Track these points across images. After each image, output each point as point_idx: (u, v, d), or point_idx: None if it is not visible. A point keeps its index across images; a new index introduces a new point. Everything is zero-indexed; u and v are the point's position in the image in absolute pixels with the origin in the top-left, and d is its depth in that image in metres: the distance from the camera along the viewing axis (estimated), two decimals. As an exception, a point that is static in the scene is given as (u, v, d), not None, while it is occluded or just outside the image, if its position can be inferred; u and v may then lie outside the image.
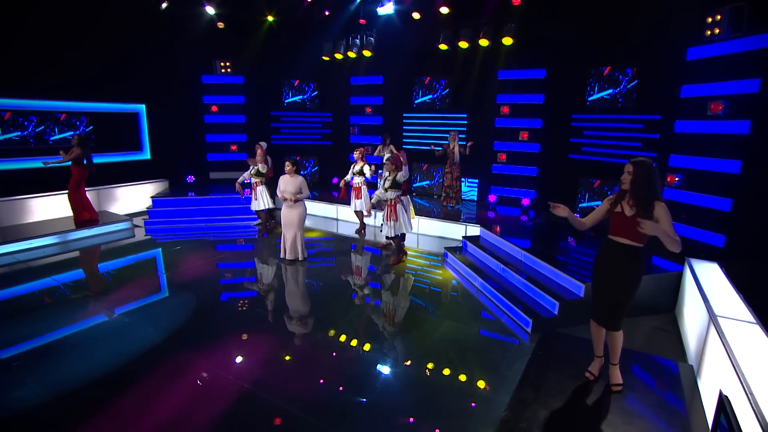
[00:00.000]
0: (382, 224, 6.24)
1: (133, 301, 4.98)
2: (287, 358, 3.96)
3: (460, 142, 8.76)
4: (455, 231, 7.72)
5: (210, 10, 9.48)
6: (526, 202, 9.00)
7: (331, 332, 4.38)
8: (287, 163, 6.11)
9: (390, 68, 10.34)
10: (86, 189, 8.54)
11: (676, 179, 6.29)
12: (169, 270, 6.12)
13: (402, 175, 5.95)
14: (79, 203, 7.68)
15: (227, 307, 5.04)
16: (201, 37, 10.05)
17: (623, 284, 3.12)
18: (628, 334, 4.44)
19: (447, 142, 8.76)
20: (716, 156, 5.57)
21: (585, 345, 3.91)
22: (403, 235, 6.33)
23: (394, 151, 9.04)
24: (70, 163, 7.44)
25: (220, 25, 10.02)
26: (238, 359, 3.89)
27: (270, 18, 9.88)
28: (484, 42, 8.36)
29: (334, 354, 4.02)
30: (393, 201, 6.05)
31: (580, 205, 8.36)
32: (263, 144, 7.82)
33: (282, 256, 6.48)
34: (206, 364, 3.77)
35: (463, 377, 3.68)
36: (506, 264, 5.62)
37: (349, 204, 8.08)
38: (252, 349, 4.09)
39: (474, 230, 7.33)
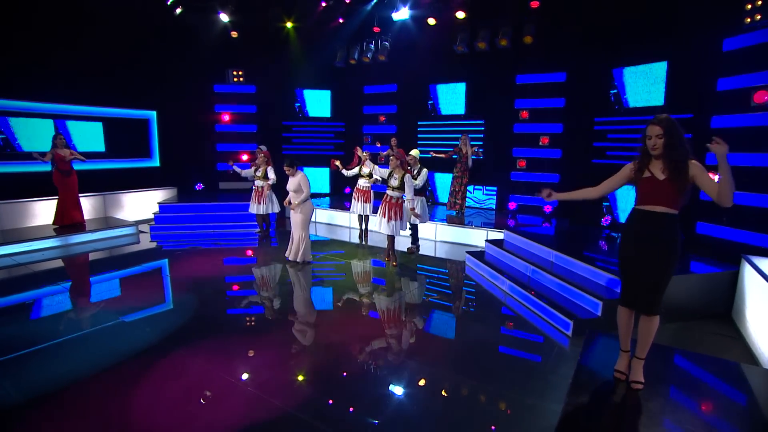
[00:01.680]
0: (378, 222, 5.82)
1: (133, 305, 4.58)
2: (301, 377, 3.50)
3: (471, 143, 8.42)
4: (475, 237, 7.30)
5: (224, 17, 9.46)
6: (548, 209, 8.56)
7: (339, 341, 3.93)
8: (285, 165, 5.81)
9: (404, 75, 10.17)
10: (93, 194, 8.38)
11: (716, 178, 5.84)
12: (172, 275, 5.74)
13: (421, 178, 5.54)
14: (73, 206, 7.38)
15: (228, 312, 4.63)
16: (214, 45, 10.02)
17: (663, 257, 2.71)
18: (682, 341, 3.94)
19: (458, 144, 8.42)
20: (764, 150, 5.14)
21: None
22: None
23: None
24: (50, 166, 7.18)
25: (234, 34, 10.00)
26: (239, 366, 3.46)
27: (290, 24, 9.82)
28: (503, 42, 8.13)
29: (346, 365, 3.56)
30: (397, 199, 5.67)
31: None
32: (263, 147, 7.56)
33: (288, 256, 6.12)
34: (207, 367, 3.34)
35: (501, 385, 3.19)
36: (536, 266, 5.16)
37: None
38: (254, 356, 3.65)
39: (495, 235, 6.90)
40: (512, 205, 8.90)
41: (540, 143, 8.78)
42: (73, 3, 8.04)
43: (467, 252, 6.35)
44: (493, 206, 9.31)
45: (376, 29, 9.67)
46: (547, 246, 5.42)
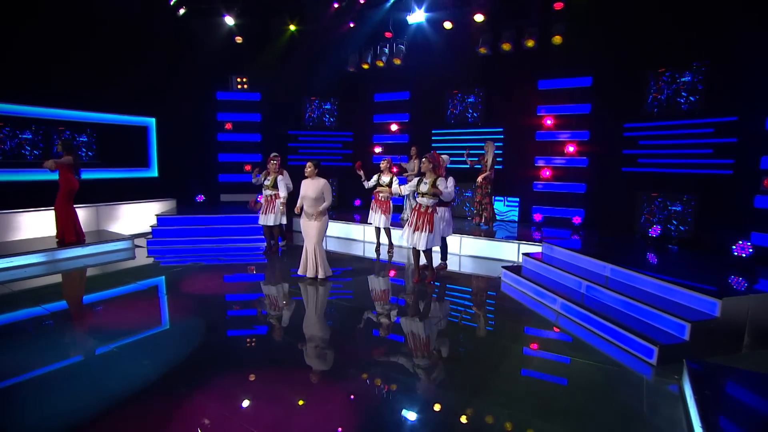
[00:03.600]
0: (406, 235, 5.16)
1: (126, 331, 3.89)
2: (300, 402, 2.81)
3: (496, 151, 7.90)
4: (506, 250, 6.69)
5: (229, 20, 8.99)
6: (577, 220, 8.00)
7: (364, 375, 3.25)
8: (308, 163, 5.20)
9: (418, 82, 9.70)
10: (86, 206, 7.66)
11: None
12: (171, 295, 5.04)
13: (446, 192, 4.92)
14: (68, 219, 6.60)
15: (240, 339, 3.95)
16: (218, 50, 9.53)
17: None
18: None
19: (483, 152, 7.88)
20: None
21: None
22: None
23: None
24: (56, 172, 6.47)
25: (239, 39, 9.53)
26: (245, 400, 2.77)
27: (292, 27, 9.35)
28: (529, 43, 7.69)
29: (389, 409, 2.90)
30: (430, 208, 5.04)
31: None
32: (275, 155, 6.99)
33: (300, 272, 5.45)
34: (209, 404, 2.66)
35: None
36: (590, 282, 4.55)
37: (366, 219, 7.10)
38: (261, 388, 2.97)
39: (529, 248, 6.30)
40: (538, 217, 8.33)
41: (566, 151, 8.27)
42: (69, 3, 7.52)
43: (504, 267, 5.72)
44: (516, 218, 8.73)
45: (388, 34, 9.25)
46: (600, 259, 4.81)
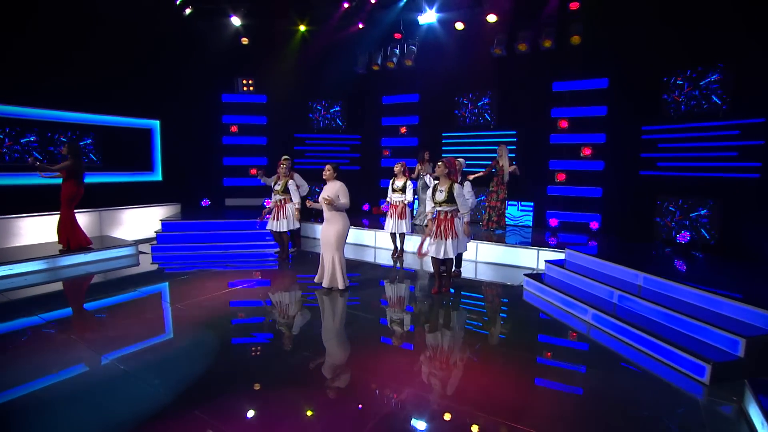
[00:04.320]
0: (429, 244, 4.88)
1: (133, 346, 3.64)
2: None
3: (510, 155, 7.69)
4: (524, 257, 6.44)
5: (236, 21, 8.79)
6: (594, 225, 7.77)
7: (391, 394, 3.00)
8: (327, 167, 5.01)
9: (428, 84, 9.49)
10: (88, 210, 7.43)
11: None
12: (178, 305, 4.78)
13: (468, 193, 4.67)
14: (70, 226, 6.38)
15: (248, 352, 3.70)
16: (223, 52, 9.33)
17: None
18: None
19: (495, 156, 7.67)
20: None
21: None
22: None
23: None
24: (59, 178, 6.25)
25: (245, 41, 9.33)
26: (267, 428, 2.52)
27: (302, 27, 9.14)
28: (547, 43, 7.49)
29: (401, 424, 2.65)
30: (449, 214, 4.79)
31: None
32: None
33: (317, 281, 5.21)
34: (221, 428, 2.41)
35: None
36: (622, 291, 4.31)
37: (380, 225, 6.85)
38: (276, 409, 2.72)
39: (549, 255, 6.06)
40: (554, 222, 8.10)
41: (581, 154, 8.05)
42: (72, 2, 7.31)
43: (526, 275, 5.48)
44: (530, 223, 8.50)
45: (398, 35, 9.05)
46: (631, 267, 4.57)
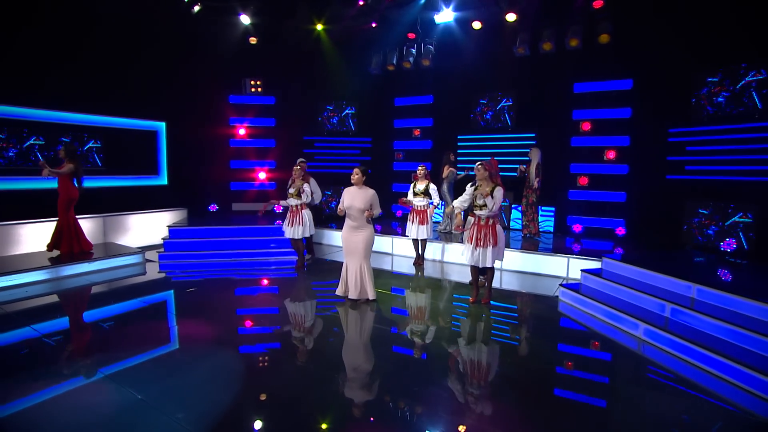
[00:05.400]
0: (467, 252, 4.60)
1: (146, 367, 3.30)
2: None
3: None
4: (552, 265, 6.14)
5: (245, 19, 8.50)
6: (621, 231, 7.48)
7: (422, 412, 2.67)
8: (355, 170, 4.68)
9: (443, 85, 9.21)
10: (92, 216, 7.09)
11: None
12: (192, 319, 4.44)
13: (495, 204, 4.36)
14: (72, 229, 6.10)
15: (275, 376, 3.36)
16: (231, 52, 9.03)
17: None
18: None
19: (528, 159, 7.40)
20: None
21: None
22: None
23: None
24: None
25: (253, 40, 9.03)
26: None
27: (315, 27, 8.85)
28: (573, 42, 7.23)
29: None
30: (490, 220, 4.50)
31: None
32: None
33: (340, 293, 4.87)
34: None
35: None
36: (674, 304, 4.00)
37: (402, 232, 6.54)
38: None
39: (581, 263, 5.75)
40: (577, 228, 7.80)
41: (605, 158, 7.78)
42: (75, 0, 6.99)
43: (561, 285, 5.17)
44: (551, 228, 8.20)
45: (411, 35, 8.78)
46: (682, 278, 4.27)
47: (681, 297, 4.16)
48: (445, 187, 7.47)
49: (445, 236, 7.38)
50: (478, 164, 4.50)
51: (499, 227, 4.48)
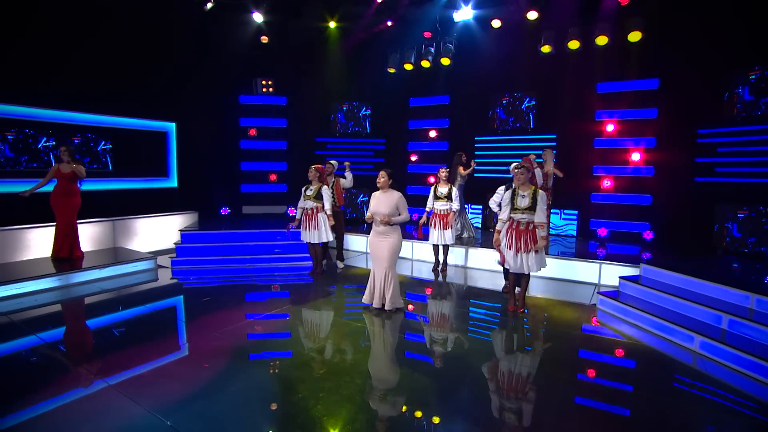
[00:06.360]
0: (509, 258, 4.35)
1: (172, 388, 3.04)
2: None
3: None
4: (583, 271, 5.88)
5: (258, 17, 8.27)
6: (648, 236, 7.23)
7: None
8: (381, 173, 4.45)
9: (460, 85, 8.98)
10: (101, 220, 6.87)
11: None
12: (215, 332, 4.17)
13: (545, 211, 4.12)
14: (75, 234, 5.94)
15: (317, 398, 3.10)
16: (242, 52, 8.82)
17: None
18: None
19: (542, 161, 7.12)
20: None
21: None
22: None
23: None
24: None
25: (264, 39, 8.82)
26: None
27: (330, 25, 8.63)
28: (601, 41, 7.00)
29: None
30: (531, 225, 4.26)
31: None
32: (334, 163, 6.21)
33: (365, 301, 4.62)
34: None
35: None
36: (732, 315, 3.75)
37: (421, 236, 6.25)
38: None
39: (615, 269, 5.50)
40: (602, 232, 7.55)
41: (629, 159, 7.54)
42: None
43: (599, 292, 4.92)
44: (574, 232, 7.95)
45: (427, 34, 8.56)
46: (738, 287, 4.01)
47: (738, 307, 3.91)
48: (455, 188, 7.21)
49: (469, 241, 7.11)
50: (520, 166, 4.24)
51: (539, 231, 4.23)
